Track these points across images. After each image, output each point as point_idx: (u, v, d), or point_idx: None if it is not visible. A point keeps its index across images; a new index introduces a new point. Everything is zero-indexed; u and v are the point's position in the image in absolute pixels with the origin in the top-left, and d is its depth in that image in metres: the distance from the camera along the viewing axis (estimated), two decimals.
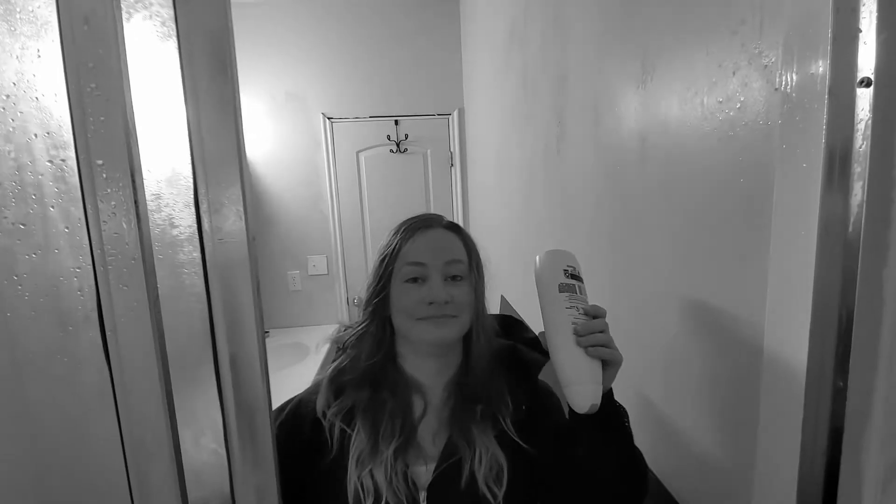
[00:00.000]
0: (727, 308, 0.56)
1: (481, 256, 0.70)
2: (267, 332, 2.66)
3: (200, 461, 0.39)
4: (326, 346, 2.41)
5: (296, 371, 2.11)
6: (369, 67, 2.59)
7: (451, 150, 2.69)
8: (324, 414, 0.65)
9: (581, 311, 0.59)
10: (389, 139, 2.63)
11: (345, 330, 0.72)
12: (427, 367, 0.68)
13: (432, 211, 2.66)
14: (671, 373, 0.70)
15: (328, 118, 2.59)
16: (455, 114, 2.64)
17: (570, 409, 0.57)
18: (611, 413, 0.58)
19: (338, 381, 0.68)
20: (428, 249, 0.65)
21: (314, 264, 2.72)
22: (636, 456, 0.61)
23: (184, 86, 0.34)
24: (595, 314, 0.58)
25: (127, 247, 0.35)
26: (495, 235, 2.03)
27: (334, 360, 0.71)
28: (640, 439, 0.80)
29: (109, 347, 0.37)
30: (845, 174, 0.39)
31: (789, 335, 0.44)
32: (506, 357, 0.71)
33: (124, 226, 0.35)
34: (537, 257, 0.65)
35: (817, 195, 0.41)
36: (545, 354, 0.63)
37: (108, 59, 0.35)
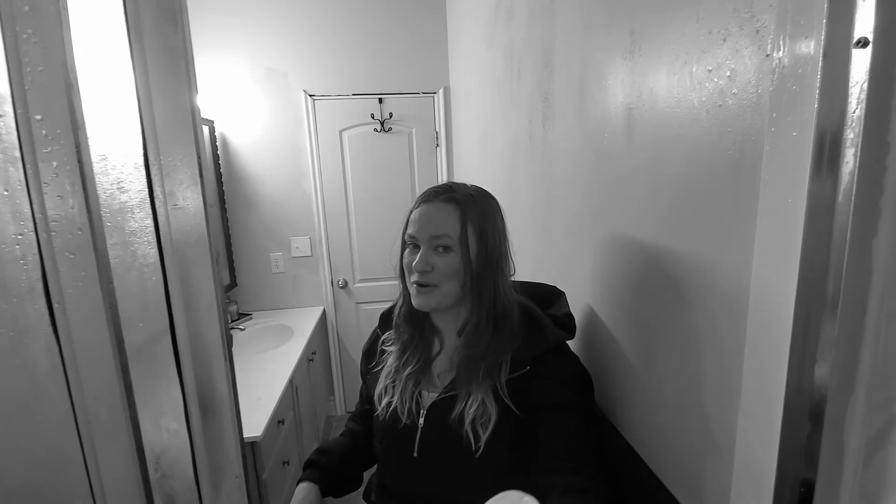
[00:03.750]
0: (712, 282, 0.55)
1: (498, 223, 0.77)
2: (249, 314, 2.62)
3: (161, 442, 0.37)
4: (312, 327, 2.39)
5: (280, 352, 2.09)
6: (352, 43, 2.51)
7: (437, 129, 2.64)
8: (381, 339, 0.88)
9: None
10: (373, 118, 2.57)
11: None
12: (440, 315, 0.81)
13: (417, 191, 2.61)
14: (655, 347, 0.69)
15: (310, 95, 2.52)
16: (440, 92, 2.58)
17: None
18: None
19: (387, 318, 0.87)
20: (420, 222, 0.74)
21: (297, 246, 2.67)
22: None
23: (129, 36, 0.31)
24: None
25: (72, 211, 0.32)
26: None
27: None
28: (621, 408, 0.80)
29: (57, 321, 0.34)
30: (837, 141, 0.37)
31: (774, 308, 0.43)
32: (523, 321, 0.76)
33: (68, 188, 0.32)
34: None
35: (807, 164, 0.40)
36: (570, 331, 0.77)
37: (45, 2, 0.31)
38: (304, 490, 0.82)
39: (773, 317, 0.44)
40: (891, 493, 0.40)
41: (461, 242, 0.72)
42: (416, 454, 0.76)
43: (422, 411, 0.77)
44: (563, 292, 0.83)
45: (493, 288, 0.74)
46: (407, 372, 0.79)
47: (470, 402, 0.72)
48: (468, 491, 0.70)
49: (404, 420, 0.77)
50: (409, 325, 0.81)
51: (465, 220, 0.73)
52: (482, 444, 0.70)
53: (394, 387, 0.79)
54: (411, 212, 0.76)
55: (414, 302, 0.75)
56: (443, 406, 0.75)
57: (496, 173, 1.66)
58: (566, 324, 0.79)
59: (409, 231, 0.75)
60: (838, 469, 0.40)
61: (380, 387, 0.81)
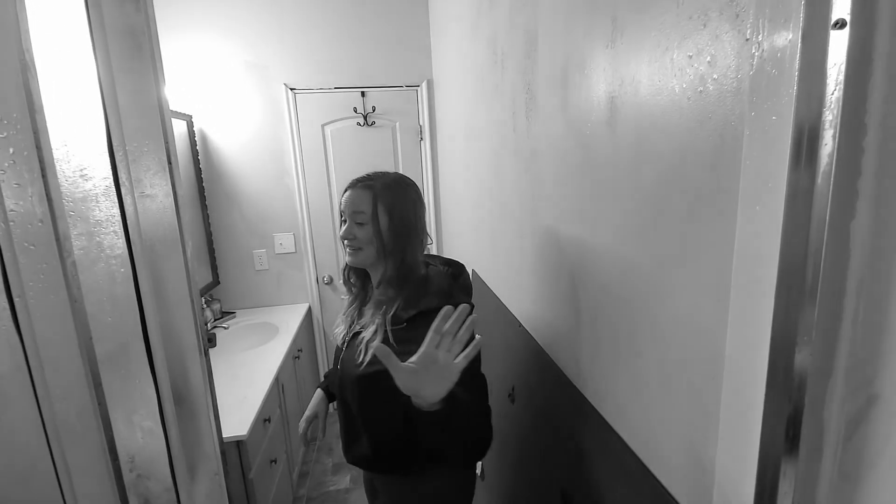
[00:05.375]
0: (694, 266, 0.56)
1: (407, 204, 1.02)
2: (233, 312, 2.58)
3: (135, 441, 0.36)
4: (297, 325, 2.36)
5: (265, 350, 2.06)
6: (334, 35, 2.48)
7: (421, 122, 2.62)
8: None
9: None
10: (356, 112, 2.54)
11: None
12: (371, 271, 1.06)
13: None
14: (639, 332, 0.70)
15: (291, 89, 2.48)
16: (424, 85, 2.56)
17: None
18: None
19: (344, 275, 1.14)
20: (345, 203, 1.02)
21: (281, 242, 2.64)
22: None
23: (87, 13, 0.29)
24: None
25: (31, 199, 0.30)
26: (465, 209, 2.00)
27: None
28: (605, 392, 0.81)
29: (19, 316, 0.33)
30: (816, 124, 0.37)
31: (755, 290, 0.44)
32: (422, 282, 1.01)
33: (26, 176, 0.30)
34: None
35: (787, 147, 0.40)
36: (446, 298, 0.95)
37: None
38: (318, 395, 1.27)
39: (754, 301, 0.44)
40: (869, 471, 0.41)
41: (373, 218, 0.98)
42: (338, 367, 1.06)
43: (347, 338, 1.06)
44: (464, 267, 1.12)
45: (402, 253, 1.00)
46: (348, 312, 1.11)
47: (370, 329, 0.97)
48: (357, 398, 0.99)
49: (338, 343, 1.10)
50: (355, 279, 1.12)
51: (376, 201, 0.98)
52: (366, 357, 0.95)
53: (342, 322, 1.11)
54: (342, 195, 1.04)
55: (346, 260, 1.05)
56: (358, 335, 1.01)
57: (481, 166, 1.65)
58: (448, 295, 0.98)
59: (341, 209, 1.04)
60: (818, 449, 0.41)
61: (336, 322, 1.15)
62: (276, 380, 1.84)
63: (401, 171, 2.68)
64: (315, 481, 2.35)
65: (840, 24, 0.35)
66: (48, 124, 0.30)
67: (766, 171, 0.42)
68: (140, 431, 0.35)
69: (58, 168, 0.30)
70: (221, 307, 2.55)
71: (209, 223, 2.50)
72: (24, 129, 0.29)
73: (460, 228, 2.18)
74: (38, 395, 0.33)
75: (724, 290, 0.49)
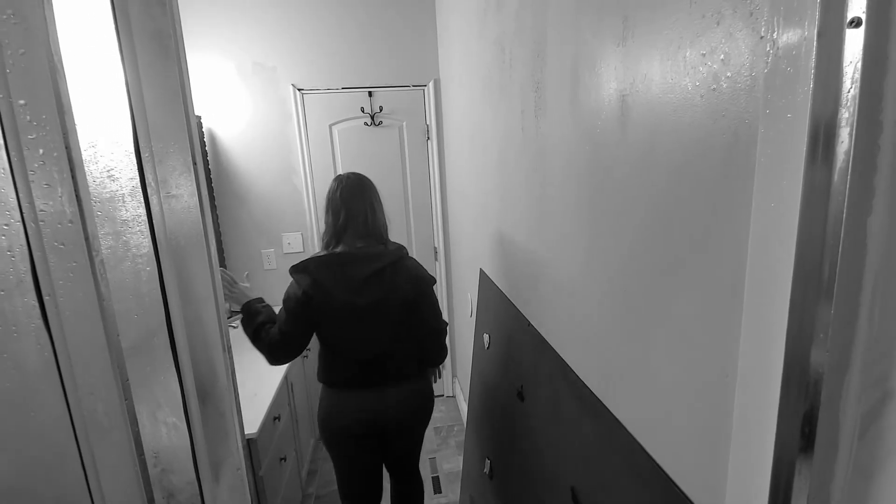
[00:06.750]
0: (708, 264, 0.56)
1: (330, 198, 1.46)
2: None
3: (159, 436, 0.36)
4: None
5: None
6: (341, 36, 2.48)
7: (428, 122, 2.63)
8: None
9: None
10: (363, 111, 2.55)
11: None
12: None
13: (408, 184, 2.64)
14: (651, 332, 0.70)
15: (298, 89, 2.49)
16: (431, 85, 2.57)
17: None
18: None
19: None
20: None
21: (289, 242, 2.65)
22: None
23: (115, 17, 0.30)
24: None
25: (60, 199, 0.31)
26: (473, 208, 2.00)
27: None
28: (617, 391, 0.81)
29: (48, 314, 0.33)
30: (832, 121, 0.38)
31: (770, 287, 0.44)
32: None
33: (56, 176, 0.31)
34: None
35: (803, 145, 0.40)
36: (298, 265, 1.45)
37: None
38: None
39: (769, 298, 0.44)
40: (883, 465, 0.41)
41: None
42: None
43: None
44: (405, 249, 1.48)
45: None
46: None
47: None
48: None
49: None
50: None
51: None
52: None
53: None
54: None
55: None
56: None
57: (487, 165, 1.65)
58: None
59: None
60: (834, 445, 0.41)
61: None
62: (286, 379, 1.85)
63: (408, 171, 2.71)
64: (323, 479, 2.36)
65: (855, 23, 0.35)
66: (77, 126, 0.31)
67: (781, 168, 0.42)
68: (165, 427, 0.36)
69: (86, 169, 0.31)
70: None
71: (218, 223, 2.52)
72: (53, 131, 0.30)
73: (467, 227, 2.19)
74: (67, 391, 0.34)
75: (739, 286, 0.49)
